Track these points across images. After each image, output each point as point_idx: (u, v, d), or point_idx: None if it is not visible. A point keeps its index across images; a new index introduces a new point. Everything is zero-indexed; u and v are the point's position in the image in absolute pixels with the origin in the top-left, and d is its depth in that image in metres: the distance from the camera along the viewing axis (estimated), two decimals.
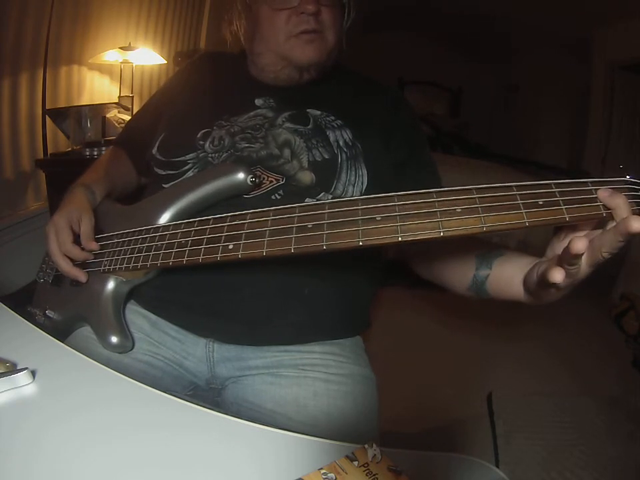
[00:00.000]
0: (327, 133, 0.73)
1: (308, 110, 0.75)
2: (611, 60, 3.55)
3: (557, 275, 0.43)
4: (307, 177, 0.69)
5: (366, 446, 0.44)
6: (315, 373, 0.67)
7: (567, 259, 0.43)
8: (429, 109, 5.21)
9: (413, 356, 1.84)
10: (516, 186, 0.44)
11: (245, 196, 0.67)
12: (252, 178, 0.64)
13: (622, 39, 3.26)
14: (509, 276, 0.58)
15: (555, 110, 4.41)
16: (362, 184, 0.71)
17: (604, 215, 0.42)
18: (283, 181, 0.68)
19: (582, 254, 0.42)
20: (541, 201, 0.43)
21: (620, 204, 0.41)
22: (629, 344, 2.16)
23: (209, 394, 0.73)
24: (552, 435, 1.51)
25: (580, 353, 2.03)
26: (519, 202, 0.43)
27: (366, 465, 0.42)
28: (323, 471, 0.41)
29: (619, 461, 1.41)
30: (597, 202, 0.42)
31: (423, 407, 1.56)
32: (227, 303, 0.67)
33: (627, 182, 0.43)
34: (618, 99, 3.60)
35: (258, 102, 0.76)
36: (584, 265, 0.45)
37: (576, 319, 2.28)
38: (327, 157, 0.71)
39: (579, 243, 0.41)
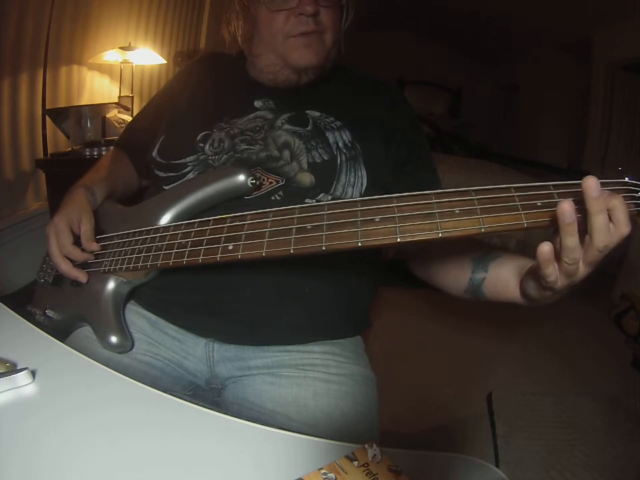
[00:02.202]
0: (327, 134, 0.73)
1: (307, 111, 0.75)
2: (610, 60, 3.55)
3: (545, 246, 0.43)
4: (306, 178, 0.69)
5: (366, 446, 0.44)
6: (315, 373, 0.67)
7: (565, 248, 0.43)
8: (428, 109, 5.21)
9: (413, 356, 1.84)
10: (514, 187, 0.44)
11: (245, 197, 0.67)
12: (252, 180, 0.65)
13: (622, 39, 3.26)
14: (505, 278, 0.58)
15: (555, 110, 4.41)
16: (361, 185, 0.71)
17: None
18: (282, 182, 0.68)
19: (572, 216, 0.41)
20: (539, 202, 0.43)
21: (617, 205, 0.41)
22: (628, 344, 2.16)
23: (209, 394, 0.73)
24: (552, 435, 1.51)
25: (580, 353, 2.03)
26: (517, 203, 0.43)
27: (366, 465, 0.42)
28: (323, 471, 0.41)
29: (618, 461, 1.41)
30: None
31: (423, 407, 1.56)
32: (227, 303, 0.67)
33: (625, 183, 0.43)
34: (618, 99, 3.60)
35: (257, 104, 0.76)
36: (581, 264, 0.44)
37: (576, 319, 2.28)
38: (326, 158, 0.71)
39: (565, 202, 0.41)
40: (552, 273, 0.45)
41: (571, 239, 0.42)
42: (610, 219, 0.42)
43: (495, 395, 1.68)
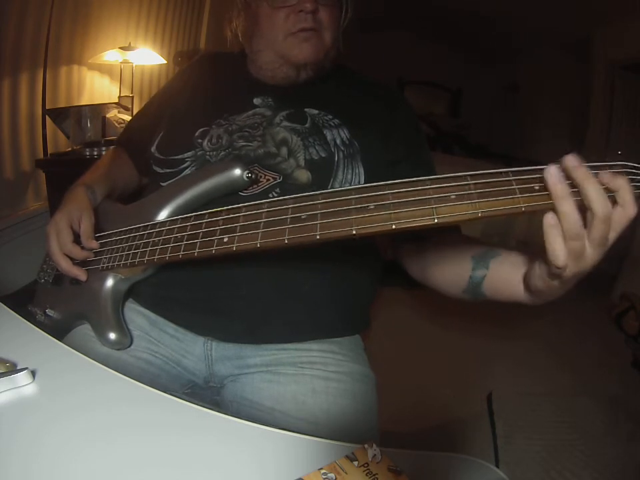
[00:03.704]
0: (324, 132, 0.73)
1: (306, 109, 0.75)
2: (611, 60, 3.55)
3: (549, 213, 0.42)
4: (303, 176, 0.69)
5: (366, 446, 0.44)
6: (314, 371, 0.67)
7: (561, 215, 0.42)
8: (428, 109, 5.21)
9: (412, 356, 1.84)
10: (512, 171, 0.43)
11: (242, 194, 0.67)
12: (248, 174, 0.65)
13: (622, 39, 3.26)
14: (507, 275, 0.57)
15: (554, 110, 4.41)
16: (358, 182, 0.71)
17: None
18: (279, 179, 0.68)
19: (557, 175, 0.41)
20: (536, 186, 0.42)
21: (622, 184, 0.40)
22: (628, 344, 2.16)
23: (207, 392, 0.73)
24: (552, 435, 1.51)
25: (580, 352, 2.03)
26: (515, 187, 0.43)
27: (366, 465, 0.42)
28: (323, 471, 0.41)
29: (618, 461, 1.41)
30: None
31: (423, 407, 1.56)
32: (225, 301, 0.68)
33: (625, 166, 0.42)
34: (618, 99, 3.60)
35: (256, 101, 0.77)
36: (588, 245, 0.43)
37: (576, 318, 2.28)
38: (323, 155, 0.71)
39: (551, 166, 0.41)
40: (560, 251, 0.43)
41: (564, 203, 0.41)
42: (616, 200, 0.41)
43: (495, 395, 1.68)
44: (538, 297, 0.53)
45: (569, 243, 0.42)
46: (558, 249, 0.43)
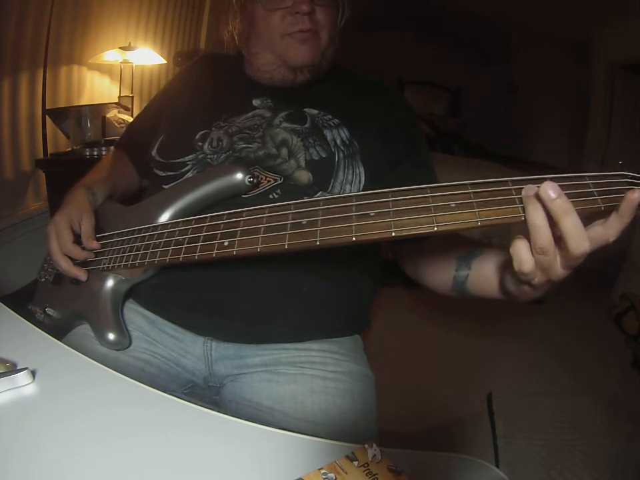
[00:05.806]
0: (324, 132, 0.73)
1: (305, 109, 0.75)
2: (611, 60, 3.54)
3: (517, 239, 0.42)
4: (304, 176, 0.69)
5: (366, 446, 0.44)
6: (313, 371, 0.67)
7: (529, 226, 0.41)
8: (428, 109, 5.21)
9: (412, 356, 1.84)
10: (511, 180, 0.43)
11: (243, 196, 0.67)
12: (250, 178, 0.65)
13: (622, 39, 3.26)
14: (488, 274, 0.57)
15: (555, 110, 4.41)
16: (359, 182, 0.71)
17: (602, 208, 0.41)
18: (280, 180, 0.69)
19: (531, 188, 0.40)
20: None
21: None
22: (629, 344, 2.15)
23: (207, 392, 0.73)
24: (552, 435, 1.51)
25: (580, 352, 2.03)
26: (514, 196, 0.43)
27: (366, 465, 0.42)
28: (323, 471, 0.41)
29: (618, 461, 1.41)
30: (594, 196, 0.41)
31: (423, 407, 1.56)
32: (225, 301, 0.68)
33: (625, 176, 0.42)
34: (618, 99, 3.60)
35: (255, 102, 0.77)
36: (560, 268, 0.42)
37: (576, 318, 2.28)
38: (324, 155, 0.71)
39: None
40: (526, 260, 0.43)
41: (532, 215, 0.40)
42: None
43: (495, 395, 1.68)
44: (515, 299, 0.53)
45: (535, 256, 0.42)
46: (524, 258, 0.43)
